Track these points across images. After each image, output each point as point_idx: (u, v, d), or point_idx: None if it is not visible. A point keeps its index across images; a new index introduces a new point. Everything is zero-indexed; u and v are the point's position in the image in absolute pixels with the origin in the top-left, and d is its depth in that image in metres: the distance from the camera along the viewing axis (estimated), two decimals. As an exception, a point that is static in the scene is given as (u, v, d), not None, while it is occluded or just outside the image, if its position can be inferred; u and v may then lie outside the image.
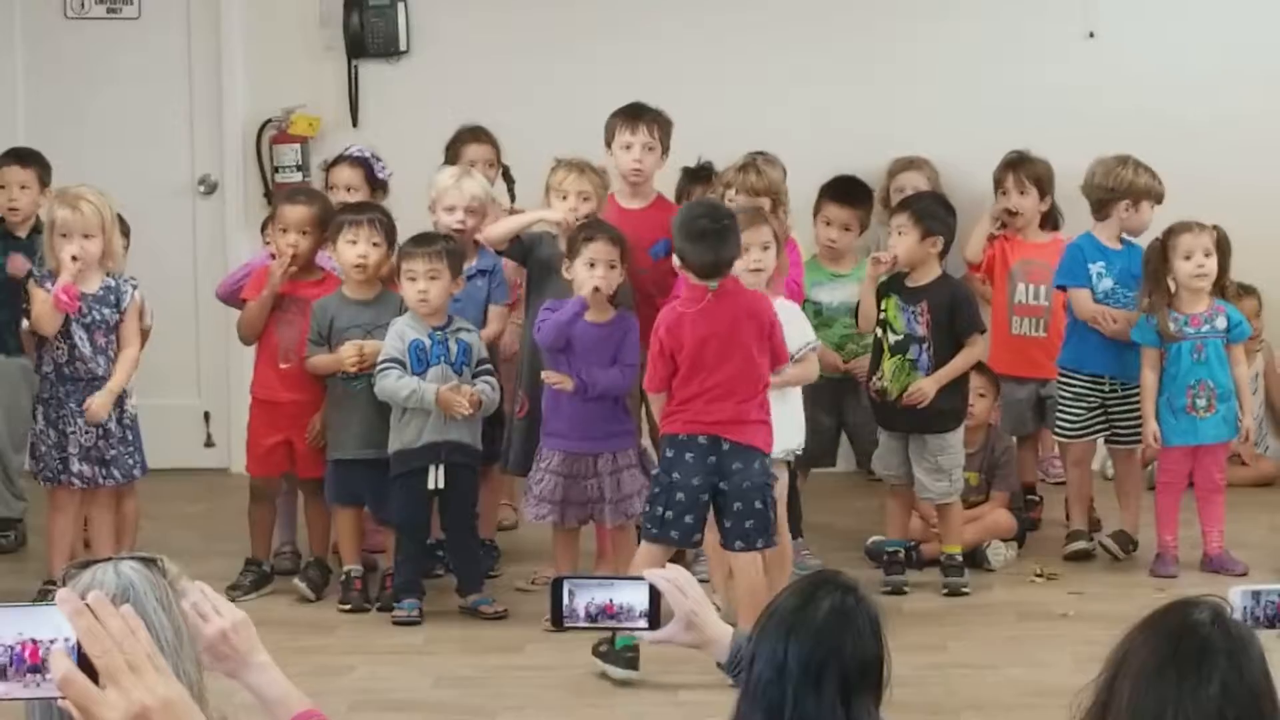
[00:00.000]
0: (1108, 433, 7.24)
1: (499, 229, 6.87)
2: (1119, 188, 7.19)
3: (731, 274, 5.97)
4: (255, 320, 6.86)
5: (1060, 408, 7.26)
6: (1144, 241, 7.17)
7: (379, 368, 6.51)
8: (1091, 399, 7.19)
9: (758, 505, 5.94)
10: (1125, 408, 7.16)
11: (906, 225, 6.81)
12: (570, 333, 6.44)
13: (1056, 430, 7.37)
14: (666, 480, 5.98)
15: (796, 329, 6.33)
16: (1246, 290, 8.05)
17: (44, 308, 6.52)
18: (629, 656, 5.88)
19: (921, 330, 6.77)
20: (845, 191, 7.69)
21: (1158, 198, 7.23)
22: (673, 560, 5.73)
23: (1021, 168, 7.70)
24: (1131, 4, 8.43)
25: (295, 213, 6.92)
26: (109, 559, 2.56)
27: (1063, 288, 7.27)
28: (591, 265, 6.43)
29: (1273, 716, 2.46)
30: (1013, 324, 7.60)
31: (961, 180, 7.94)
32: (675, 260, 6.11)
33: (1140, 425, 7.07)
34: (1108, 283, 7.16)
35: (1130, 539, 7.15)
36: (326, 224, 6.86)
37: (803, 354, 6.33)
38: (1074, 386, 7.21)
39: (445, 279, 6.53)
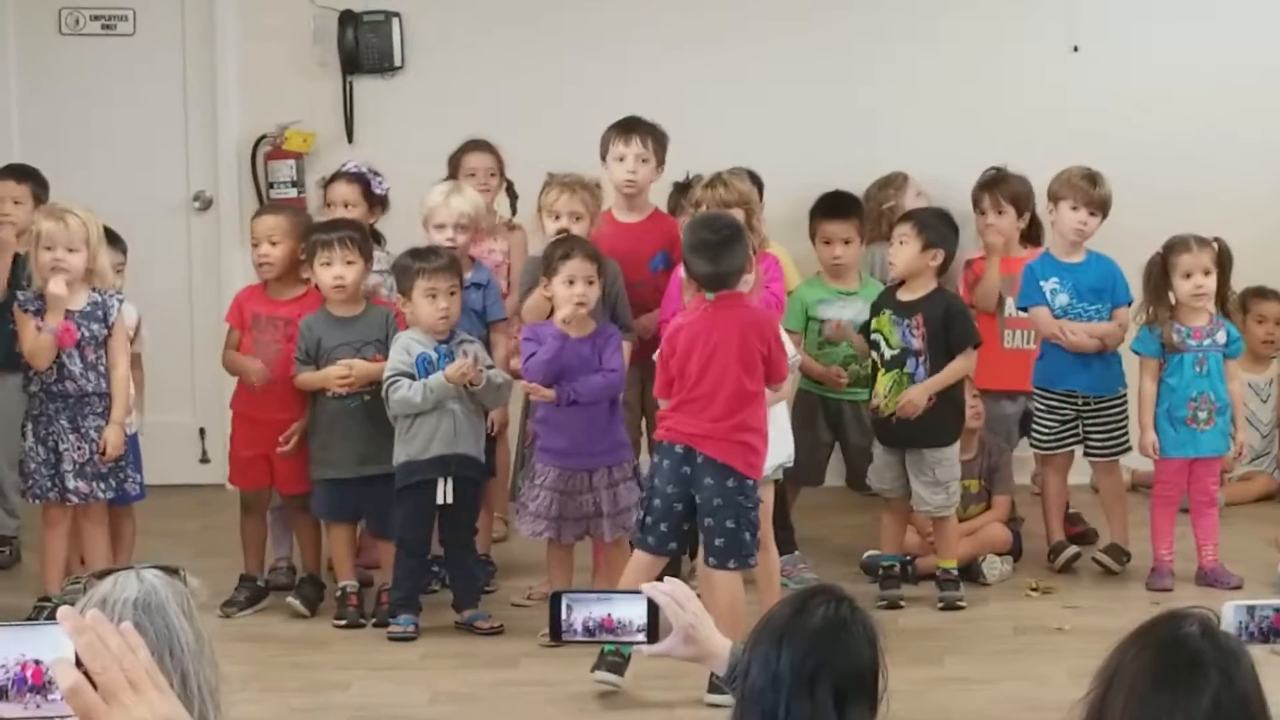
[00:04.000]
0: (1082, 445, 7.28)
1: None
2: (1049, 192, 7.30)
3: (738, 289, 5.96)
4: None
5: (1035, 421, 7.31)
6: (1098, 247, 7.22)
7: (387, 382, 6.50)
8: (1065, 411, 7.23)
9: (728, 525, 5.89)
10: (1099, 421, 7.19)
11: (909, 235, 6.81)
12: (558, 362, 6.46)
13: (1033, 443, 7.41)
14: (650, 485, 6.03)
15: None
16: (1266, 294, 8.10)
17: (38, 344, 6.49)
18: (613, 662, 5.89)
19: (918, 344, 6.77)
20: (836, 206, 7.67)
21: (1085, 202, 7.19)
22: (669, 573, 5.72)
23: (998, 187, 7.70)
24: (1116, 18, 8.45)
25: (263, 223, 6.95)
26: (130, 567, 2.59)
27: (1024, 309, 7.33)
28: (570, 283, 6.44)
29: (1265, 728, 2.47)
30: (1005, 338, 7.60)
31: (946, 194, 7.93)
32: (682, 272, 6.14)
33: (1119, 435, 7.15)
34: (1063, 298, 7.20)
35: (1123, 551, 7.16)
36: (300, 233, 6.87)
37: None
38: (1047, 401, 7.26)
39: (459, 294, 6.57)
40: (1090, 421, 7.22)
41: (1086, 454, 7.31)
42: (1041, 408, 7.28)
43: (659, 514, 5.94)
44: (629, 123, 7.04)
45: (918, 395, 6.73)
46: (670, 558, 6.05)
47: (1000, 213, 7.66)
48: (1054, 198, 7.30)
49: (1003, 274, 7.63)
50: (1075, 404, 7.22)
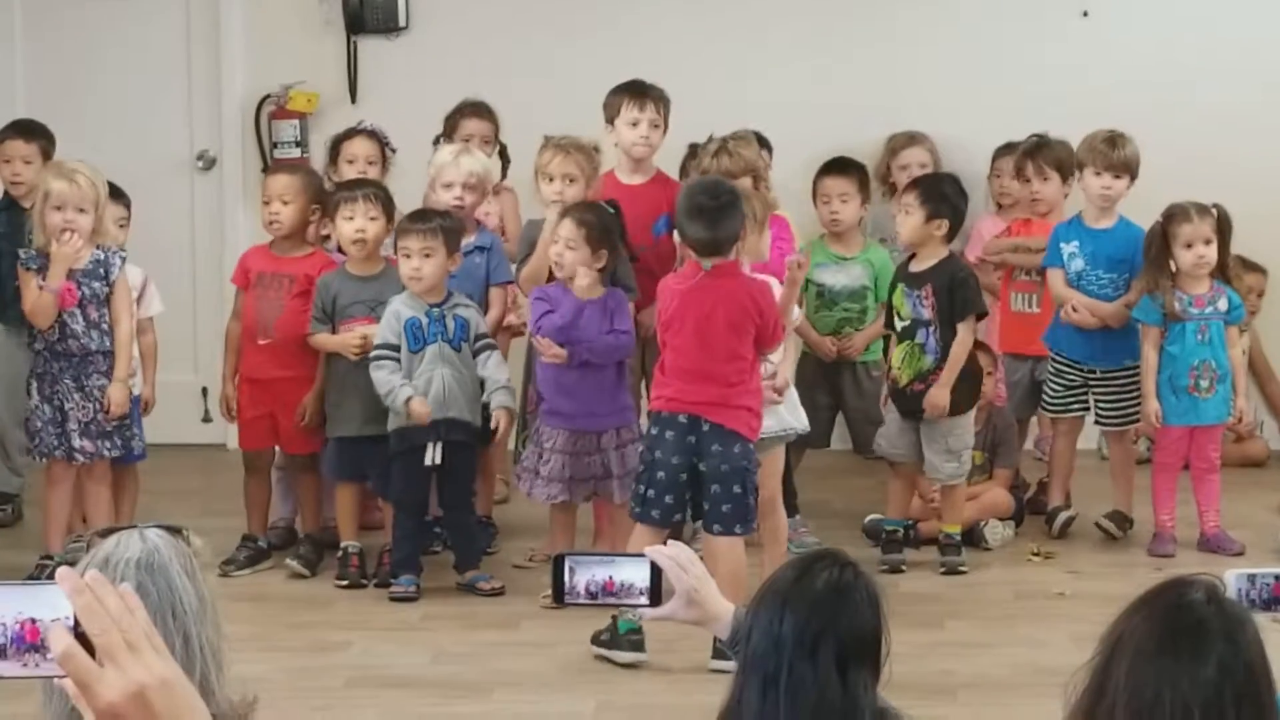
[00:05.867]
0: (1090, 413, 7.28)
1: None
2: (1076, 159, 7.30)
3: (735, 257, 5.89)
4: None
5: (1046, 383, 7.33)
6: (1125, 212, 7.19)
7: (373, 355, 6.50)
8: (1072, 377, 7.24)
9: (735, 490, 5.84)
10: (1106, 389, 7.19)
11: (913, 205, 6.78)
12: (570, 326, 6.44)
13: (1043, 405, 7.41)
14: (649, 458, 5.93)
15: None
16: (1252, 267, 8.06)
17: (40, 303, 6.49)
18: (634, 640, 5.83)
19: (927, 314, 6.75)
20: (835, 165, 7.67)
21: (1106, 166, 7.16)
22: (671, 537, 5.72)
23: (1040, 153, 7.63)
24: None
25: (276, 182, 6.93)
26: (133, 526, 2.57)
27: (1044, 269, 7.33)
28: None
29: (1270, 694, 2.46)
30: (1012, 300, 7.60)
31: (957, 158, 7.91)
32: (675, 236, 6.09)
33: (1127, 406, 7.13)
34: (1078, 263, 7.18)
35: (1126, 518, 7.16)
36: (312, 193, 6.85)
37: None
38: (1057, 364, 7.28)
39: (440, 256, 6.50)
40: (1098, 391, 7.21)
41: (1097, 422, 7.31)
42: (1051, 370, 7.30)
43: (663, 486, 5.88)
44: (640, 87, 6.99)
45: (938, 396, 6.68)
46: (673, 528, 6.03)
47: (1045, 179, 7.61)
48: (1079, 164, 7.27)
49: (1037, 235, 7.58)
50: (1082, 372, 7.22)
